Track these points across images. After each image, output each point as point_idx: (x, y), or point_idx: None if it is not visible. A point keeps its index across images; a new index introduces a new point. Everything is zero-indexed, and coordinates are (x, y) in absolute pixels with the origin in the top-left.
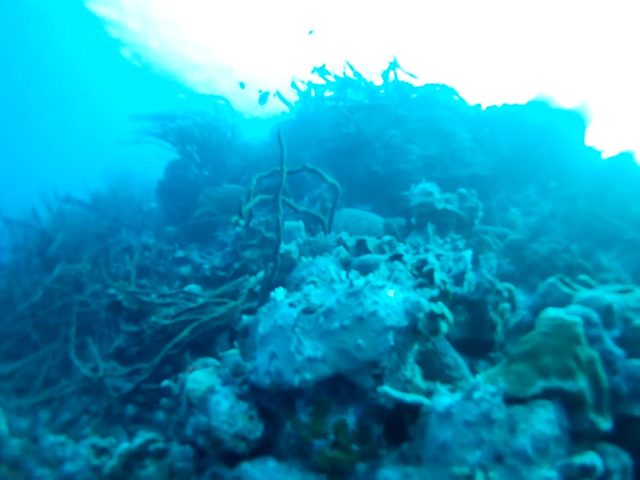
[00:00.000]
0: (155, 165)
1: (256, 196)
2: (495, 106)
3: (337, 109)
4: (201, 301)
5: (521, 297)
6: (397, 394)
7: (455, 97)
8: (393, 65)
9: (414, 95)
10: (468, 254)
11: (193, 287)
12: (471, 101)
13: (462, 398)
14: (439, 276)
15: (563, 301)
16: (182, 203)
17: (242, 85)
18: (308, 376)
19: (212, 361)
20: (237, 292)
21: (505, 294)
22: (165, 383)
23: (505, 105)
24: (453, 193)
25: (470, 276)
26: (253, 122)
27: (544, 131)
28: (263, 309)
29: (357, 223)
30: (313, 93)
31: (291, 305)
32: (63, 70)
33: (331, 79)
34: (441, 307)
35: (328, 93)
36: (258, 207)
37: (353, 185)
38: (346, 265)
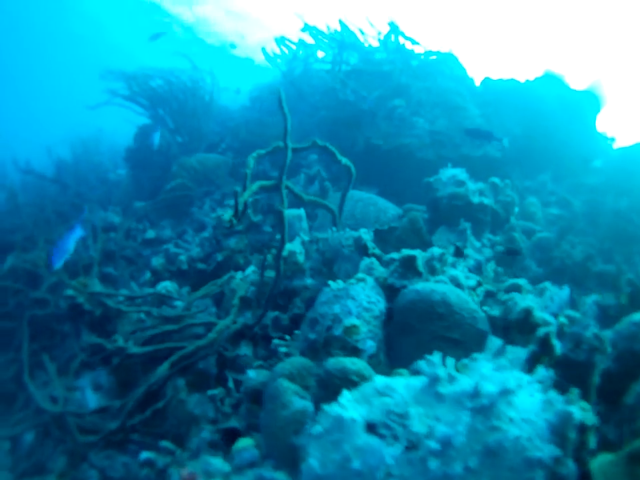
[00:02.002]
0: (127, 130)
1: (253, 182)
2: (501, 80)
3: (332, 73)
4: (179, 305)
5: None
6: None
7: (458, 68)
8: (394, 28)
9: (414, 63)
10: (564, 293)
11: (167, 285)
12: (472, 74)
13: None
14: (557, 343)
15: None
16: (153, 173)
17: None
18: None
19: (216, 463)
20: (222, 294)
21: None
22: (145, 455)
23: (512, 80)
24: (485, 182)
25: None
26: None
27: (558, 111)
28: (316, 430)
29: (364, 209)
30: (301, 53)
31: (371, 428)
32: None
33: (324, 39)
34: (591, 416)
35: (320, 54)
36: (236, 178)
37: (350, 160)
38: (390, 292)
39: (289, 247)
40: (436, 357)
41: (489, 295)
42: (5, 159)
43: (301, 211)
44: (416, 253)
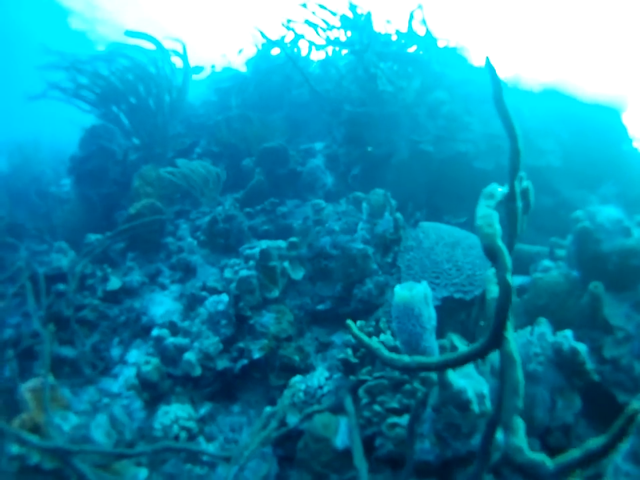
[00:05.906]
0: (72, 131)
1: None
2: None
3: (361, 55)
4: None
5: None
6: None
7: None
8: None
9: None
10: None
11: (177, 414)
12: None
13: None
14: None
15: None
16: (106, 188)
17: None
18: None
19: None
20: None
21: None
22: None
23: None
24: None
25: None
26: None
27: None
28: None
29: (466, 257)
30: (289, 38)
31: None
32: None
33: (333, 19)
34: None
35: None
36: (219, 189)
37: (391, 171)
38: None
39: (454, 379)
40: None
41: None
42: None
43: (425, 289)
44: None
